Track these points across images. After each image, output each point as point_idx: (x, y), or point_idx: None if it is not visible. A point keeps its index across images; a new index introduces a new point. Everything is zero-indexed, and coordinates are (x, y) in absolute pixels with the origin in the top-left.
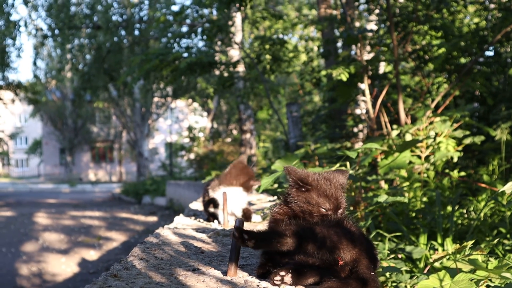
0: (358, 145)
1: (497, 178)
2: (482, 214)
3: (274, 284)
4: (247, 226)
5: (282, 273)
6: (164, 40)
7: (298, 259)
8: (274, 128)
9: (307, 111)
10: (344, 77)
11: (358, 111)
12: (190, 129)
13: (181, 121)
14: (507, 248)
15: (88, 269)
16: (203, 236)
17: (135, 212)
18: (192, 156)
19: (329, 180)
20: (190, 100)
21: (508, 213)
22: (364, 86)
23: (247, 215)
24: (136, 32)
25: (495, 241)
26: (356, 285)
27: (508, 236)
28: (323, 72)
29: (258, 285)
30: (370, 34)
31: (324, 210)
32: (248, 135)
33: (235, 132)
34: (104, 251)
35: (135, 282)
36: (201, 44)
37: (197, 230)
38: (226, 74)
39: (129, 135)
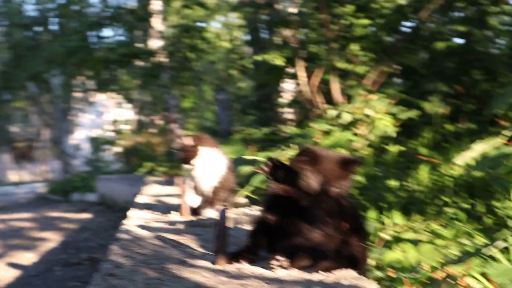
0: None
1: (429, 150)
2: (425, 186)
3: (271, 269)
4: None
5: (279, 257)
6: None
7: (291, 242)
8: (199, 116)
9: (235, 97)
10: (281, 61)
11: (286, 95)
12: (114, 122)
13: (104, 115)
14: (452, 216)
15: (28, 272)
16: (172, 228)
17: (66, 210)
18: (118, 149)
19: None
20: (113, 93)
21: (450, 183)
22: (295, 69)
23: (213, 199)
24: (56, 27)
25: (451, 210)
26: (347, 263)
27: (452, 204)
28: (259, 58)
29: (253, 273)
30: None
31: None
32: (174, 125)
33: (160, 122)
34: (42, 253)
35: (135, 279)
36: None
37: (163, 222)
38: (143, 64)
39: (51, 132)
